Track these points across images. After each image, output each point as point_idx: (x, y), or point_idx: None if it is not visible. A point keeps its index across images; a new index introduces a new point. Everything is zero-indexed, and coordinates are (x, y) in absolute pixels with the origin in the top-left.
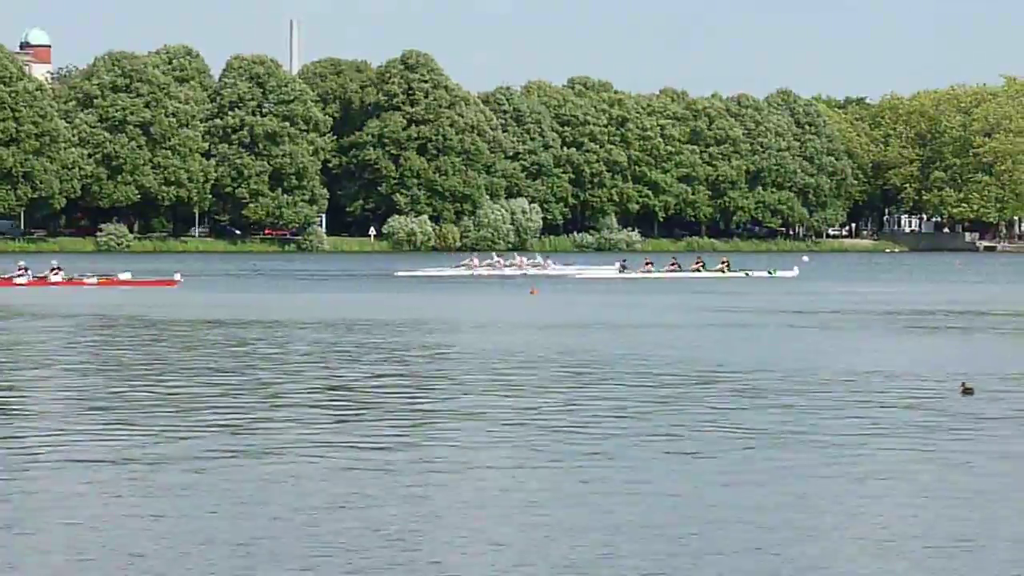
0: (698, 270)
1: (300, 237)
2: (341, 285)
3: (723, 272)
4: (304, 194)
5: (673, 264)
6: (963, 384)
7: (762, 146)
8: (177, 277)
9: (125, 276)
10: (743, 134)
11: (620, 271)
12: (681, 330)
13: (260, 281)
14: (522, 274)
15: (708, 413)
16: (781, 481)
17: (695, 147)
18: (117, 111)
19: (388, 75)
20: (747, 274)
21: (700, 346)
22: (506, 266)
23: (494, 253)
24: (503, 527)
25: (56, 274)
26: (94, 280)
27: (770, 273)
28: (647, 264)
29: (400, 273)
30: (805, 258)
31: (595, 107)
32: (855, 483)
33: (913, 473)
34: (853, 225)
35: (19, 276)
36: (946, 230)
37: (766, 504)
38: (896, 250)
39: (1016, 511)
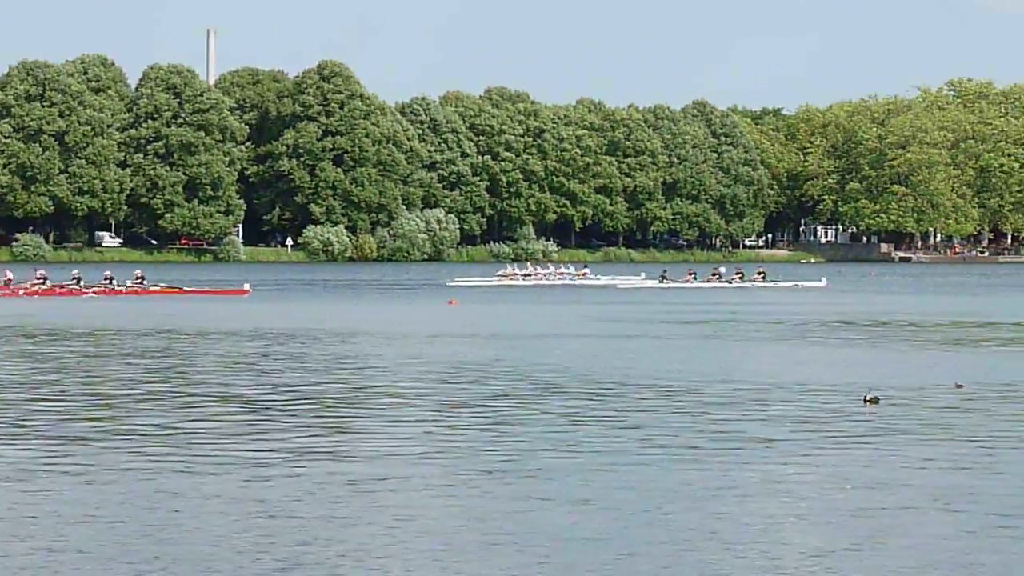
0: (740, 278)
1: (216, 247)
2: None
3: (761, 281)
4: (220, 204)
5: (715, 274)
6: (868, 394)
7: (679, 157)
8: (246, 287)
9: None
10: (660, 145)
11: (660, 281)
12: (583, 340)
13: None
14: (564, 284)
15: (614, 423)
16: (688, 490)
17: (612, 158)
18: (32, 121)
19: (304, 85)
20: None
21: (597, 356)
22: (547, 275)
23: (528, 263)
24: (412, 541)
25: (109, 283)
26: (156, 288)
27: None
28: (689, 275)
29: (452, 283)
30: (723, 269)
31: (512, 118)
32: (751, 491)
33: (806, 482)
34: (770, 236)
35: (74, 284)
36: (863, 240)
37: (675, 512)
38: (812, 261)
39: (910, 520)
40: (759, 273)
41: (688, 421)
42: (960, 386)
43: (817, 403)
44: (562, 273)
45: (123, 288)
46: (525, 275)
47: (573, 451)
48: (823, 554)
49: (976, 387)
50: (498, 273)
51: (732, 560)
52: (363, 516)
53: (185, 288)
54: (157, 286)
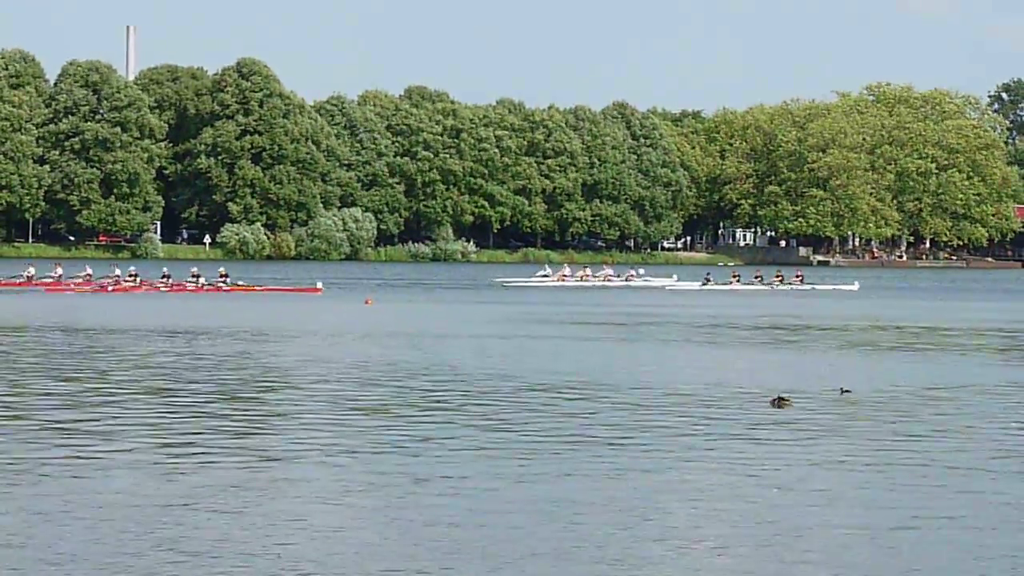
0: (780, 281)
1: (134, 244)
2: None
3: (800, 284)
4: (137, 201)
5: (757, 276)
6: (777, 396)
7: (599, 159)
8: (319, 285)
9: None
10: (580, 147)
11: (704, 284)
12: (495, 340)
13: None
14: (623, 284)
15: (518, 423)
16: (594, 488)
17: (532, 159)
18: None
19: (223, 83)
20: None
21: (503, 356)
22: (594, 276)
23: (565, 265)
24: (311, 539)
25: (198, 279)
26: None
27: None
28: (734, 276)
29: (501, 281)
30: (641, 270)
31: (430, 117)
32: (659, 489)
33: (709, 481)
34: (688, 238)
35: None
36: (782, 244)
37: (582, 508)
38: (731, 264)
39: (813, 517)
40: (797, 276)
41: (590, 423)
42: (847, 391)
43: (726, 406)
44: (609, 276)
45: (211, 285)
46: (568, 276)
47: (482, 453)
48: (731, 555)
49: (890, 390)
50: (538, 274)
51: (636, 559)
52: (249, 514)
53: (260, 287)
54: (239, 284)
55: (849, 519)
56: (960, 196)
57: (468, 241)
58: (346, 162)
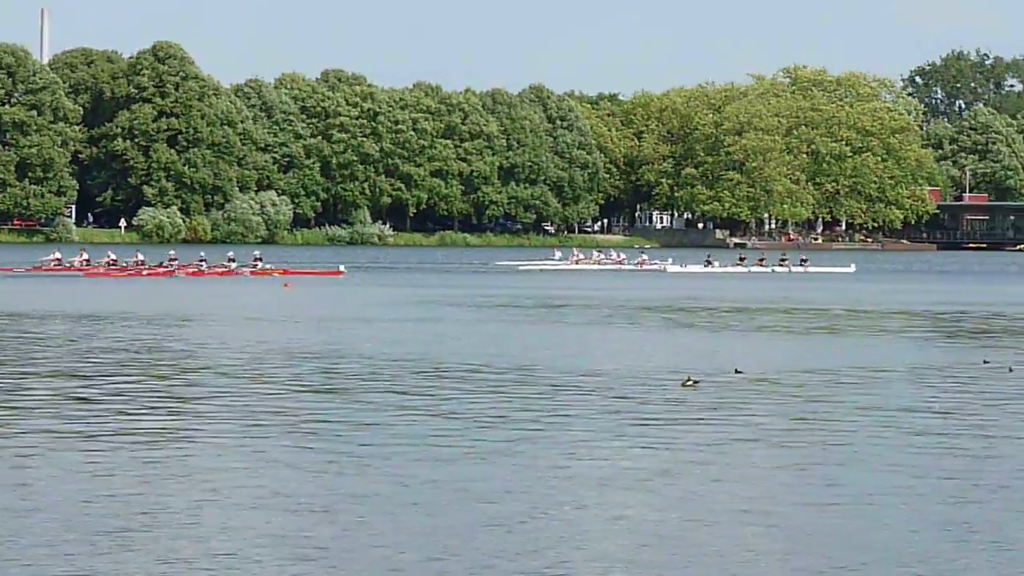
0: (784, 262)
1: (49, 228)
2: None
3: (789, 269)
4: (52, 185)
5: (762, 260)
6: (688, 377)
7: (517, 141)
8: (342, 268)
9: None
10: (497, 129)
11: (705, 266)
12: (399, 324)
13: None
14: (621, 269)
15: (423, 407)
16: (504, 469)
17: (448, 141)
18: None
19: (139, 66)
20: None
21: (412, 340)
22: (608, 260)
23: (574, 248)
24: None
25: (232, 263)
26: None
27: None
28: (740, 259)
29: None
30: (558, 253)
31: (347, 100)
32: (563, 469)
33: (618, 459)
34: (606, 221)
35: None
36: (699, 226)
37: (489, 490)
38: (647, 246)
39: (718, 493)
40: (803, 260)
41: (505, 405)
42: (739, 372)
43: (638, 387)
44: (622, 259)
45: (244, 269)
46: (583, 259)
47: (381, 437)
48: (638, 533)
49: (788, 371)
50: (556, 257)
51: (545, 540)
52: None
53: (288, 270)
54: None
55: (735, 500)
56: (875, 179)
57: (385, 224)
58: (262, 145)
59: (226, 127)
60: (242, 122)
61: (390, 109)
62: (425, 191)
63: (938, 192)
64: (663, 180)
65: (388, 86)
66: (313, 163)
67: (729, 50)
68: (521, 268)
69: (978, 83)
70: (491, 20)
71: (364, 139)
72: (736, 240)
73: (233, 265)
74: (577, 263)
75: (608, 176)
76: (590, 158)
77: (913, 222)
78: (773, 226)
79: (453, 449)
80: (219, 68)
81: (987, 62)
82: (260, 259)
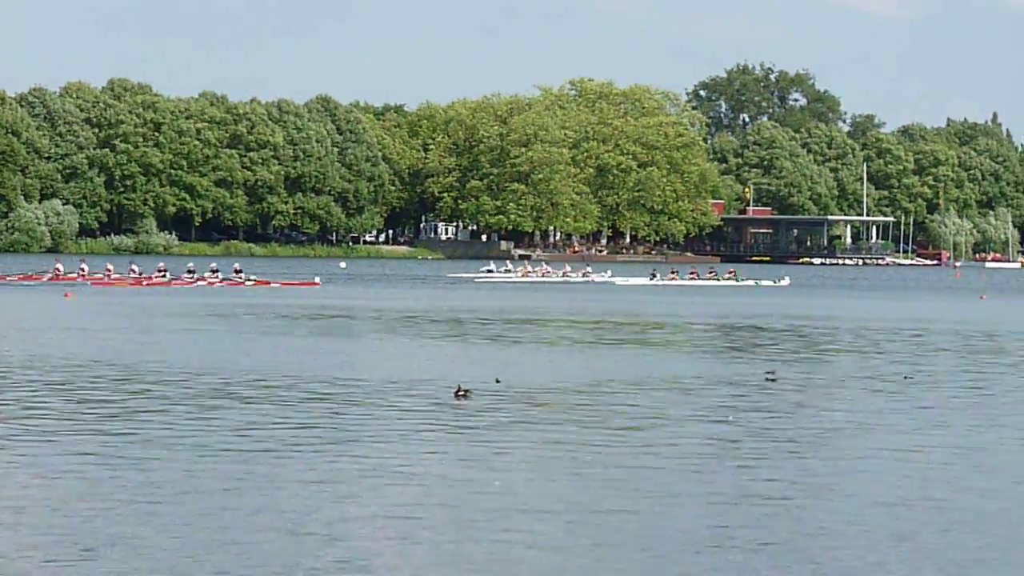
0: (718, 278)
1: None
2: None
3: (735, 281)
4: None
5: (711, 272)
6: (458, 387)
7: (303, 152)
8: (317, 280)
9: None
10: (284, 140)
11: (651, 279)
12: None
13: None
14: (585, 281)
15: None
16: (277, 484)
17: (234, 151)
18: None
19: None
20: (756, 283)
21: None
22: (570, 273)
23: (543, 262)
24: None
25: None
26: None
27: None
28: (691, 273)
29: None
30: (343, 264)
31: (131, 110)
32: (329, 481)
33: (397, 474)
34: (390, 231)
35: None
36: (483, 238)
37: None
38: (431, 257)
39: (494, 510)
40: (730, 273)
41: (282, 418)
42: (498, 381)
43: (411, 397)
44: (567, 272)
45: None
46: (550, 272)
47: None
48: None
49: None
50: (503, 269)
51: (314, 554)
52: None
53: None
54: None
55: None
56: (659, 193)
57: (171, 233)
58: (47, 155)
59: (11, 136)
60: (26, 131)
61: (174, 119)
62: (210, 201)
63: (721, 205)
64: (448, 192)
65: (175, 96)
66: (97, 173)
67: (515, 62)
68: (477, 280)
69: (763, 97)
70: (277, 30)
71: (147, 149)
72: (521, 252)
73: (218, 276)
74: (524, 276)
75: (393, 187)
76: (376, 169)
77: (695, 234)
78: (558, 238)
79: (215, 464)
80: (2, 77)
81: (772, 76)
82: (240, 271)
